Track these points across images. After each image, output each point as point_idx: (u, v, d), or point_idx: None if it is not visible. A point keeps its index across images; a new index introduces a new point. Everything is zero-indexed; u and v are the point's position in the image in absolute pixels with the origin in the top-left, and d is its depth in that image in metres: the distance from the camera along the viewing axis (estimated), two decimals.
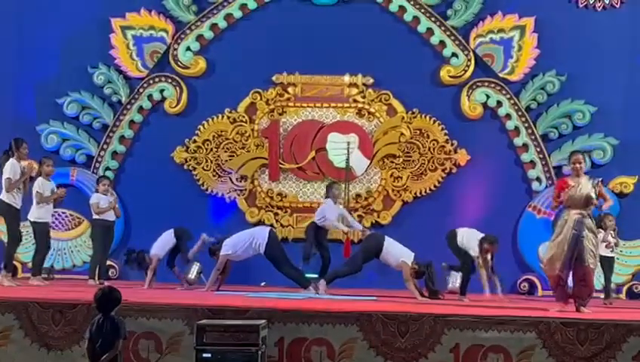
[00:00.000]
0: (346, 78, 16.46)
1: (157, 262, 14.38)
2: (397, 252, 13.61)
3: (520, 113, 16.10)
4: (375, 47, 16.24)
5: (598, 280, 13.98)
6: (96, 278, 14.78)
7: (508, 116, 16.16)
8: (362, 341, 10.33)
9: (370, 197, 16.29)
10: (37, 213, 14.23)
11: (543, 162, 15.97)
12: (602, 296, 14.04)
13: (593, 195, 11.79)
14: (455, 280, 15.25)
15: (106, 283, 14.47)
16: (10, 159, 13.63)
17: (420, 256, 13.77)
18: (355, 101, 16.46)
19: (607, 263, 14.08)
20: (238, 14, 16.67)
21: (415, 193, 16.07)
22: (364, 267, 14.62)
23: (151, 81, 16.73)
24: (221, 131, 16.56)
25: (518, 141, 16.11)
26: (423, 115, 16.29)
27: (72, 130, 16.66)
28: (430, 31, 16.38)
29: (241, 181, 16.44)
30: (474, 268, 13.71)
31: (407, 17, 16.38)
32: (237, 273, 14.52)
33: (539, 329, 10.17)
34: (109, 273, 15.85)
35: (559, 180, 12.78)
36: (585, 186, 11.80)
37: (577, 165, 11.96)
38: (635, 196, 15.72)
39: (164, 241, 14.44)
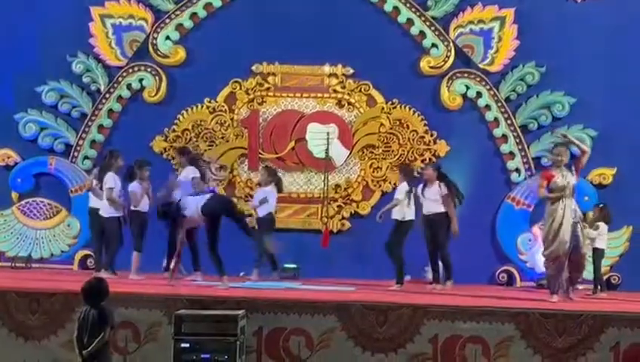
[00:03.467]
0: (326, 68, 16.43)
1: None
2: None
3: (499, 104, 16.10)
4: (355, 38, 16.18)
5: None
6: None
7: (487, 107, 16.15)
8: (341, 331, 10.33)
9: (350, 188, 16.25)
10: (108, 208, 14.18)
11: (522, 153, 15.97)
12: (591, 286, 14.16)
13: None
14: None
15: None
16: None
17: None
18: (334, 91, 16.43)
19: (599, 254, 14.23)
20: (217, 3, 16.57)
21: (394, 183, 15.97)
22: (343, 257, 14.71)
23: (130, 70, 16.61)
24: (200, 121, 16.48)
25: (497, 132, 16.10)
26: (403, 106, 16.27)
27: (50, 118, 16.53)
28: (410, 21, 16.34)
29: (220, 171, 16.34)
30: None
31: (388, 7, 16.33)
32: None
33: (517, 320, 10.19)
34: (88, 262, 15.82)
35: (545, 172, 12.80)
36: (568, 176, 12.07)
37: (559, 157, 12.24)
38: (613, 187, 15.76)
39: None
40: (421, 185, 14.00)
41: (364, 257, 15.33)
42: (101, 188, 14.23)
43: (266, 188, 14.84)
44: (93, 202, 14.62)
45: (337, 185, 16.28)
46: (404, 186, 13.99)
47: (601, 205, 14.53)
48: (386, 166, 16.17)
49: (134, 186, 14.18)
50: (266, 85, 16.49)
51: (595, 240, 14.13)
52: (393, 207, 13.93)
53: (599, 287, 14.08)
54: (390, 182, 15.94)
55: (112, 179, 14.10)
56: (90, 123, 16.53)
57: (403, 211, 13.84)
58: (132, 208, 14.19)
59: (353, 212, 16.16)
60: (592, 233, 14.06)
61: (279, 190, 15.02)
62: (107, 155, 14.59)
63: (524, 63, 16.10)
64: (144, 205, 14.24)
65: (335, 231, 16.04)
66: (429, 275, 14.83)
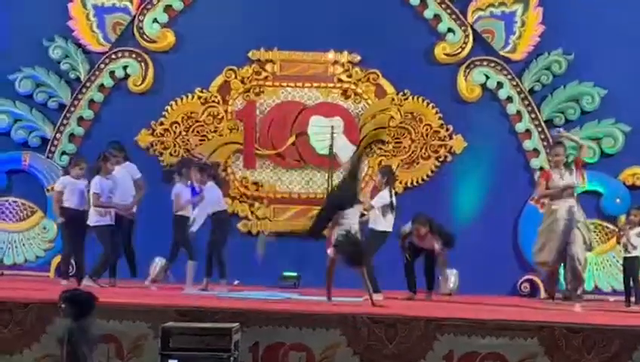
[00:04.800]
0: (331, 55, 16.46)
1: None
2: None
3: (522, 96, 16.12)
4: (363, 21, 16.20)
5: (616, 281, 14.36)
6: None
7: (509, 99, 16.18)
8: (346, 347, 10.32)
9: None
10: (95, 216, 14.10)
11: (548, 150, 15.95)
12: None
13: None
14: (451, 280, 15.24)
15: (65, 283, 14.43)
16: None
17: None
18: (340, 81, 16.46)
19: (631, 263, 14.12)
20: None
21: (405, 183, 16.05)
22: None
23: (113, 56, 16.66)
24: (191, 113, 16.51)
25: (520, 127, 16.13)
26: (416, 97, 16.30)
27: (24, 109, 16.56)
28: (424, 3, 16.36)
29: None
30: None
31: None
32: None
33: (541, 335, 10.18)
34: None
35: (544, 171, 13.61)
36: (566, 176, 12.84)
37: (557, 158, 13.04)
38: None
39: None
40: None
41: (376, 266, 15.35)
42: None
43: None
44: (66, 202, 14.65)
45: None
46: (384, 196, 13.93)
47: None
48: (397, 164, 16.17)
49: (179, 188, 14.05)
50: (264, 74, 16.53)
51: (628, 247, 14.09)
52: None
53: (633, 299, 14.07)
54: (401, 182, 15.93)
55: (97, 184, 14.03)
56: (68, 115, 16.57)
57: (378, 220, 13.85)
58: (175, 213, 14.00)
59: (360, 215, 16.14)
60: (637, 240, 14.00)
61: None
62: (98, 156, 14.48)
63: (550, 51, 16.12)
64: (189, 210, 14.15)
65: None
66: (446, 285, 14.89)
